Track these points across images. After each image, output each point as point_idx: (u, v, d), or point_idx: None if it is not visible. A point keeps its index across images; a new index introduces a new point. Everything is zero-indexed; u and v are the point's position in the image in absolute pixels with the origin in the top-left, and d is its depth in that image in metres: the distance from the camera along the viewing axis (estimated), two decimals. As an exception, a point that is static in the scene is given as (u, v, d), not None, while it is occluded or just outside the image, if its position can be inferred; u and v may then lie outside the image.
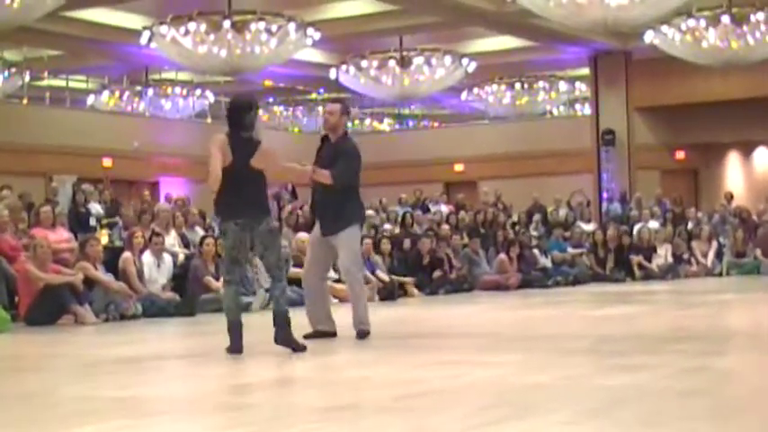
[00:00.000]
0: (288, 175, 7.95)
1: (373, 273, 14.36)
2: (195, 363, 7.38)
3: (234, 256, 7.47)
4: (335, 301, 12.74)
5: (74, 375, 6.73)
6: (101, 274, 11.36)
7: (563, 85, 27.56)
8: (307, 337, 8.01)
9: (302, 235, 13.61)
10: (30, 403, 5.26)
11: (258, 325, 9.68)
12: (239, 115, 7.61)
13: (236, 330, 7.32)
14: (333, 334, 8.34)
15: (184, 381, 6.33)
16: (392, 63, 22.02)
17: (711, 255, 19.94)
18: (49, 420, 4.66)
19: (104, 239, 13.37)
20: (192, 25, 17.87)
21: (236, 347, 7.26)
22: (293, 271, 13.59)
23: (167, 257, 12.48)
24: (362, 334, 8.20)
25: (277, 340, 7.33)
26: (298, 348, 7.27)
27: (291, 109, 31.20)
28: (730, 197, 23.44)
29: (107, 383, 6.11)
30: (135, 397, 5.44)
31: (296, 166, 8.23)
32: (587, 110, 28.49)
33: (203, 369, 6.79)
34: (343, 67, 22.34)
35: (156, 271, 12.17)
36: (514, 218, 21.37)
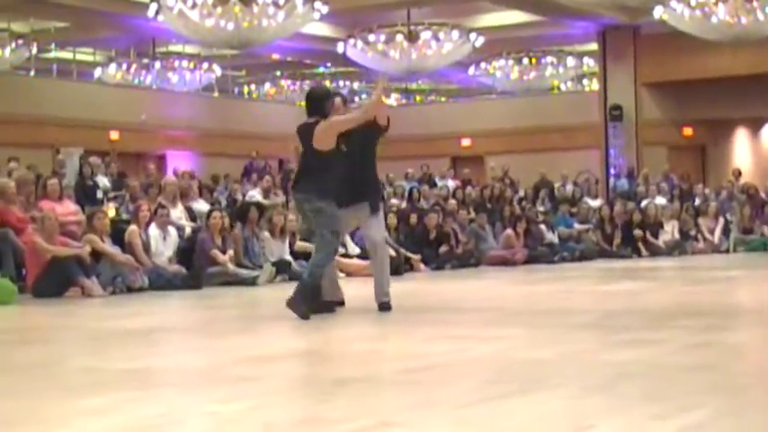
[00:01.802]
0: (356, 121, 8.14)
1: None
2: (203, 335, 7.41)
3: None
4: (342, 275, 12.78)
5: (81, 347, 6.76)
6: (108, 247, 11.38)
7: (571, 61, 27.50)
8: (317, 310, 8.05)
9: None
10: (37, 375, 5.28)
11: (266, 298, 9.74)
12: (312, 104, 8.06)
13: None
14: (342, 303, 8.49)
15: (192, 353, 6.36)
16: (400, 37, 21.95)
17: (718, 231, 19.91)
18: (56, 391, 4.68)
19: (111, 212, 13.38)
20: (199, -2, 17.81)
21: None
22: (300, 244, 13.64)
23: (172, 230, 12.49)
24: (386, 306, 8.24)
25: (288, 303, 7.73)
26: (301, 316, 7.60)
27: (299, 82, 31.17)
28: (738, 174, 23.40)
29: (114, 355, 6.13)
30: (143, 369, 5.46)
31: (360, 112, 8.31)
32: (595, 85, 28.41)
33: (211, 341, 6.82)
34: (351, 40, 22.27)
35: (161, 244, 12.18)
36: (521, 193, 21.37)
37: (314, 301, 7.89)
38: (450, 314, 8.49)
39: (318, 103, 8.03)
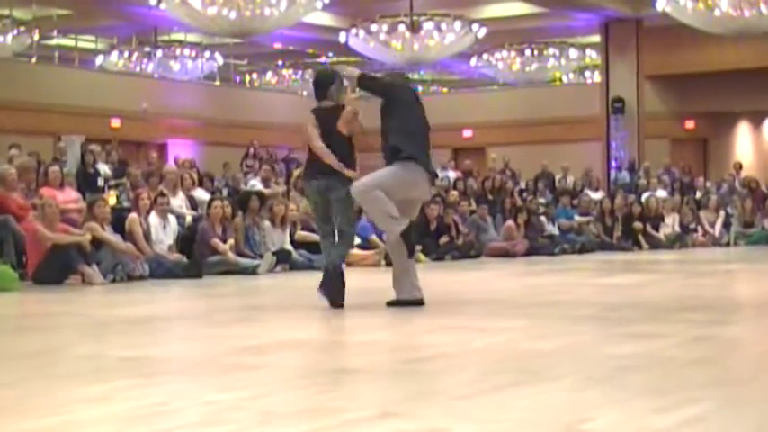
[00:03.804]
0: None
1: (380, 238, 14.36)
2: (203, 324, 7.40)
3: (319, 215, 7.92)
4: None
5: (81, 335, 6.76)
6: (108, 235, 11.38)
7: (573, 53, 27.48)
8: (390, 304, 7.77)
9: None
10: (37, 362, 5.28)
11: (266, 288, 9.74)
12: (320, 87, 8.02)
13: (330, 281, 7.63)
14: (420, 302, 7.76)
15: (192, 341, 6.35)
16: (402, 27, 21.94)
17: (719, 224, 19.92)
18: (56, 379, 4.68)
19: (112, 200, 13.38)
20: (201, -14, 17.80)
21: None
22: (301, 234, 13.63)
23: (172, 219, 12.50)
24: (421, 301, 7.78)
25: (321, 287, 7.64)
26: (334, 305, 7.56)
27: (301, 72, 31.15)
28: (739, 167, 23.40)
29: (115, 343, 6.13)
30: (143, 357, 5.45)
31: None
32: (597, 77, 28.39)
33: (211, 330, 6.82)
34: (353, 30, 22.26)
35: (161, 232, 12.19)
36: (522, 185, 21.37)
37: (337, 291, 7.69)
38: (451, 305, 8.47)
39: (321, 87, 8.01)
